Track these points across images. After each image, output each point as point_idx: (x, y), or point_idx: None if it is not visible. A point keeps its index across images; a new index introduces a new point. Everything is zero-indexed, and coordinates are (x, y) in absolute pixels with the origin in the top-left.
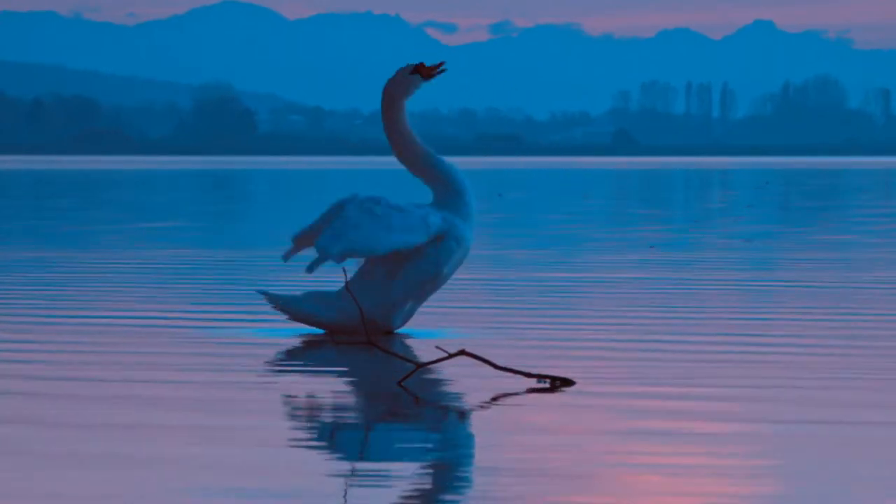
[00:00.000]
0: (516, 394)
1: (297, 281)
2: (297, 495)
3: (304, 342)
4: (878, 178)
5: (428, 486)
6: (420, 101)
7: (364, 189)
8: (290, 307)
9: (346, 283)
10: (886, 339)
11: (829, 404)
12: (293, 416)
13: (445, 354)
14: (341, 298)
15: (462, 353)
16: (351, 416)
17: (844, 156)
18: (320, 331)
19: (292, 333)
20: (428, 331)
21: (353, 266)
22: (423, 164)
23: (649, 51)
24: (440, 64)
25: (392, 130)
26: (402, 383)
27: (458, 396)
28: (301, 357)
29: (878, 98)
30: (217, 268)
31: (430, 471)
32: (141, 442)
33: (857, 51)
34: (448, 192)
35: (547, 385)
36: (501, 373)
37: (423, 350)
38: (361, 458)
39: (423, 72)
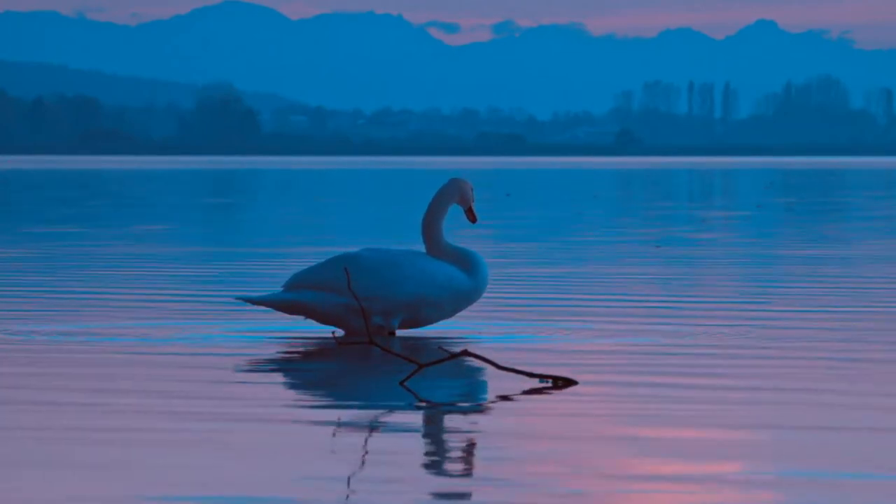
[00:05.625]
0: (518, 394)
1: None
2: (297, 495)
3: (305, 342)
4: (880, 178)
5: (430, 487)
6: (422, 100)
7: (364, 190)
8: (274, 300)
9: (349, 282)
10: (892, 336)
11: (835, 407)
12: (294, 416)
13: (448, 354)
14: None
15: (464, 353)
16: (352, 417)
17: (846, 156)
18: (322, 327)
19: (293, 334)
20: (430, 331)
21: (354, 266)
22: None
23: (652, 51)
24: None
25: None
26: (405, 383)
27: (460, 396)
28: (302, 357)
29: (880, 98)
30: (216, 268)
31: (432, 471)
32: (138, 443)
33: (858, 51)
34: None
35: (549, 385)
36: (504, 373)
37: (425, 350)
38: (363, 459)
39: (469, 215)
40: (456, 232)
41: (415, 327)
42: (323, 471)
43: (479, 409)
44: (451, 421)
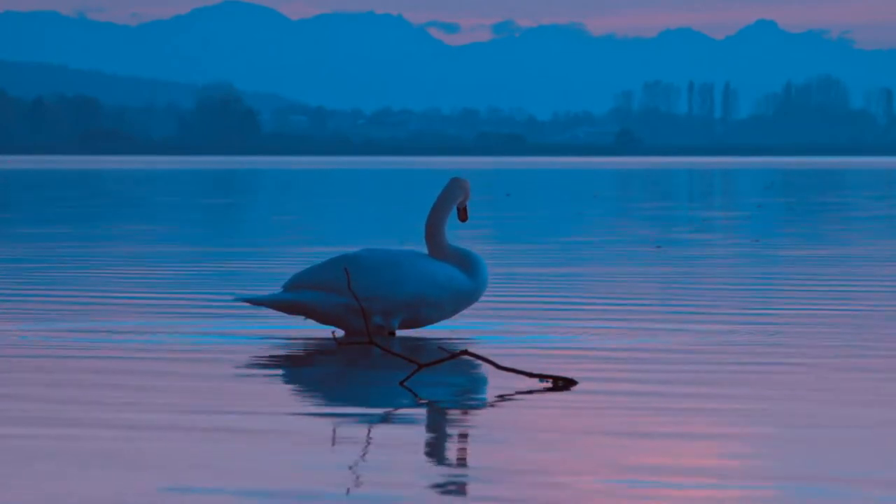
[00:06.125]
0: (518, 394)
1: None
2: (298, 495)
3: (305, 342)
4: (880, 178)
5: (430, 486)
6: (422, 100)
7: (364, 190)
8: (277, 300)
9: (349, 282)
10: (892, 338)
11: (837, 411)
12: (294, 417)
13: (448, 354)
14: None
15: (464, 353)
16: (352, 417)
17: (846, 156)
18: (322, 327)
19: (293, 334)
20: (430, 331)
21: (356, 266)
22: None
23: (652, 50)
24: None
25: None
26: (405, 383)
27: (459, 396)
28: (302, 357)
29: (880, 98)
30: (216, 268)
31: (432, 471)
32: (141, 441)
33: (859, 51)
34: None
35: (549, 385)
36: (504, 373)
37: (426, 350)
38: (363, 459)
39: (462, 214)
40: (455, 232)
41: (415, 327)
42: (322, 470)
43: (478, 409)
44: (450, 421)
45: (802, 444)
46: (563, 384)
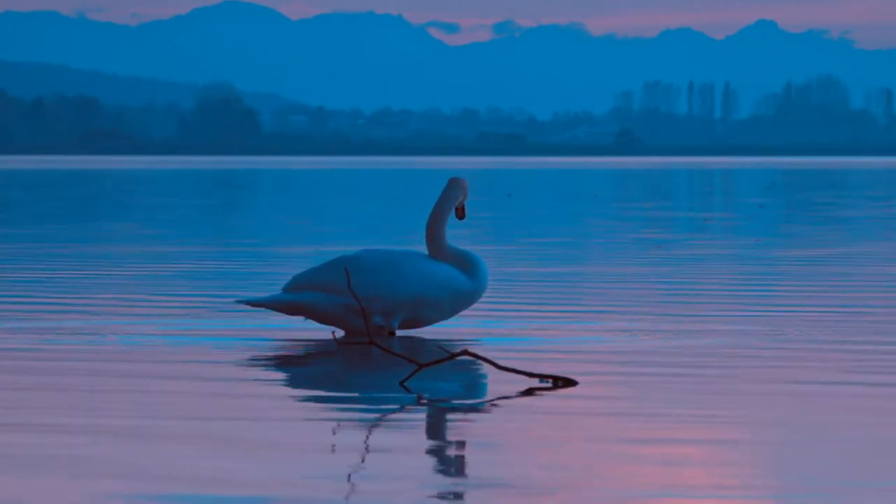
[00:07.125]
0: (518, 394)
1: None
2: (297, 495)
3: (305, 342)
4: (880, 178)
5: (429, 486)
6: (422, 100)
7: (364, 190)
8: (278, 302)
9: (349, 282)
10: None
11: (838, 412)
12: (294, 416)
13: (448, 354)
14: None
15: (464, 353)
16: (352, 417)
17: (846, 156)
18: (322, 327)
19: (293, 334)
20: (430, 331)
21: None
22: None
23: (652, 50)
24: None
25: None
26: (405, 383)
27: (459, 397)
28: (302, 357)
29: (880, 98)
30: (216, 268)
31: (432, 471)
32: (145, 444)
33: (859, 51)
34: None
35: (549, 385)
36: (504, 373)
37: (426, 350)
38: (363, 458)
39: (458, 212)
40: (456, 232)
41: (415, 327)
42: (323, 470)
43: (478, 409)
44: (450, 421)
45: (808, 447)
46: (563, 384)
